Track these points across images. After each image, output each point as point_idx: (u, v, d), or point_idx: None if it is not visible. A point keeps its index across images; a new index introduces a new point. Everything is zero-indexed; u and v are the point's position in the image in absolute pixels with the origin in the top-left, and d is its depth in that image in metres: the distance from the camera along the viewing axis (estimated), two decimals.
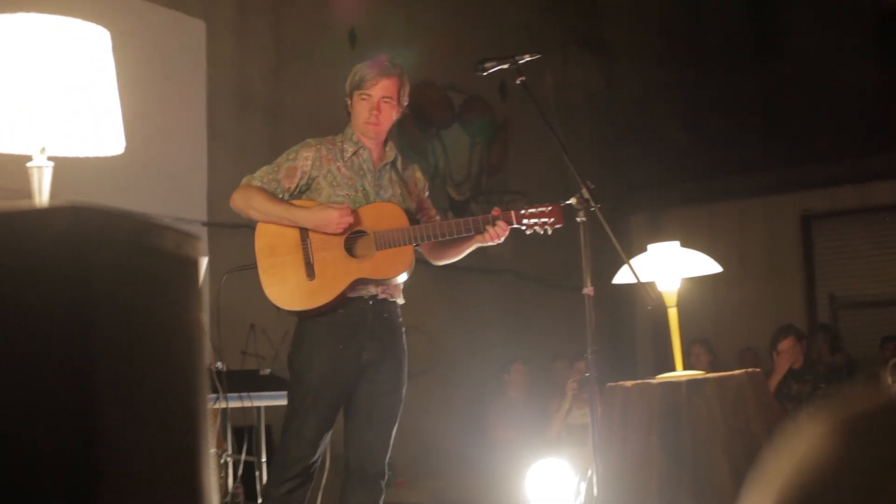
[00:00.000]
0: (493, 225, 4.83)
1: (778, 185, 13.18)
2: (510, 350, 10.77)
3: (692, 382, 4.98)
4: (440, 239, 4.84)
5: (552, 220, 4.91)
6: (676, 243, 5.49)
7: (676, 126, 14.56)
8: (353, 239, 4.77)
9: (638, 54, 14.71)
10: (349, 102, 4.94)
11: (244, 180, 4.83)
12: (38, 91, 3.10)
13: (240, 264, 5.26)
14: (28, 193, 3.24)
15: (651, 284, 5.12)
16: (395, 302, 4.90)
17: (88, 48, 3.23)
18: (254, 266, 4.76)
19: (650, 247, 5.50)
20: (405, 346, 4.91)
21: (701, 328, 11.01)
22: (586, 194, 4.66)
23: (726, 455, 4.78)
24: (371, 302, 4.79)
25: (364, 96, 4.87)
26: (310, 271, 4.71)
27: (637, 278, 4.74)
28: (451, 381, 11.02)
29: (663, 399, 4.99)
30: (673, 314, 5.30)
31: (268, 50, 9.56)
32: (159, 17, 8.45)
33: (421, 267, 11.08)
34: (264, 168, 4.85)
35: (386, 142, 5.00)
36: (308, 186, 4.84)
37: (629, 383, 5.14)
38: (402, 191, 4.97)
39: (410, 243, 4.78)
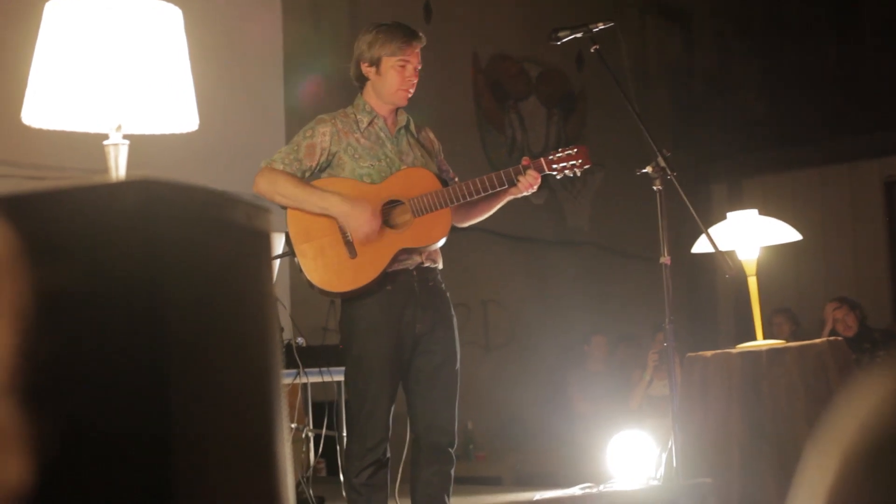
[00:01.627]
0: (524, 175, 4.75)
1: (859, 152, 12.98)
2: (590, 322, 10.74)
3: (772, 352, 4.94)
4: (475, 197, 4.73)
5: (580, 161, 4.84)
6: (755, 211, 5.44)
7: (755, 93, 14.39)
8: (388, 209, 4.67)
9: (716, 22, 14.55)
10: (371, 69, 4.76)
11: (264, 163, 4.68)
12: (112, 70, 3.13)
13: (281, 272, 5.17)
14: (105, 171, 3.28)
15: (730, 253, 5.07)
16: (437, 268, 4.80)
17: (161, 27, 3.25)
18: (291, 253, 4.65)
19: (729, 215, 5.45)
20: (453, 313, 4.83)
21: (783, 297, 10.90)
22: (662, 162, 4.61)
23: (807, 424, 4.74)
24: (416, 272, 4.68)
25: (401, 63, 4.72)
26: (350, 249, 4.60)
27: (715, 247, 4.69)
28: (530, 353, 11.01)
29: (743, 369, 4.95)
30: (753, 283, 5.25)
31: (343, 25, 9.57)
32: None
33: (498, 240, 11.08)
34: (283, 149, 4.71)
35: (395, 108, 4.87)
36: (329, 163, 4.71)
37: (709, 353, 5.11)
38: (421, 153, 4.86)
39: (447, 206, 4.67)
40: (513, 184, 4.76)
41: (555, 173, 4.84)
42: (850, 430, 1.00)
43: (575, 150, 4.86)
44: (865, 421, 0.99)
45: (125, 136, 3.30)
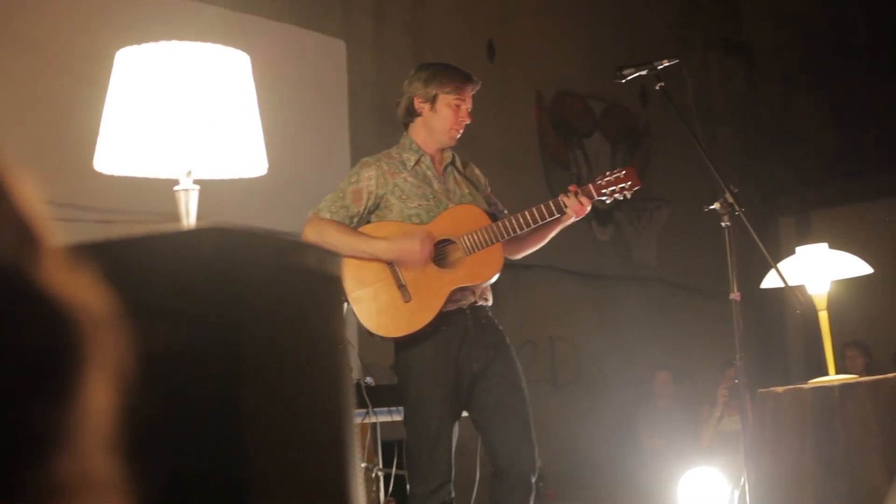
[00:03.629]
0: (571, 201, 4.74)
1: None
2: (657, 357, 10.68)
3: (845, 386, 4.88)
4: (525, 230, 4.73)
5: (630, 183, 4.83)
6: (825, 245, 5.39)
7: (821, 126, 14.30)
8: (439, 249, 4.67)
9: (780, 55, 14.49)
10: (425, 105, 4.79)
11: (311, 213, 4.71)
12: (182, 116, 3.17)
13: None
14: (176, 216, 3.32)
15: (800, 288, 5.03)
16: (489, 306, 4.79)
17: (230, 72, 3.29)
18: (344, 300, 4.61)
19: (798, 249, 5.41)
20: (510, 346, 4.79)
21: (855, 331, 10.77)
22: (730, 198, 4.58)
23: (882, 460, 4.67)
24: (469, 311, 4.69)
25: (457, 102, 4.76)
26: (404, 293, 4.60)
27: (785, 282, 4.66)
28: (598, 390, 10.96)
29: (816, 404, 4.90)
30: (823, 317, 5.20)
31: (407, 66, 9.61)
32: (300, 38, 8.57)
33: (565, 277, 11.06)
34: (329, 197, 4.72)
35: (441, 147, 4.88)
36: (377, 206, 4.72)
37: (780, 389, 5.06)
38: (469, 190, 4.86)
39: (498, 241, 4.67)
40: (562, 212, 4.75)
41: (604, 198, 4.83)
42: None
43: (623, 172, 4.87)
44: None
45: (195, 181, 3.33)
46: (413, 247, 4.57)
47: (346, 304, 4.65)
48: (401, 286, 4.61)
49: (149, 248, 1.47)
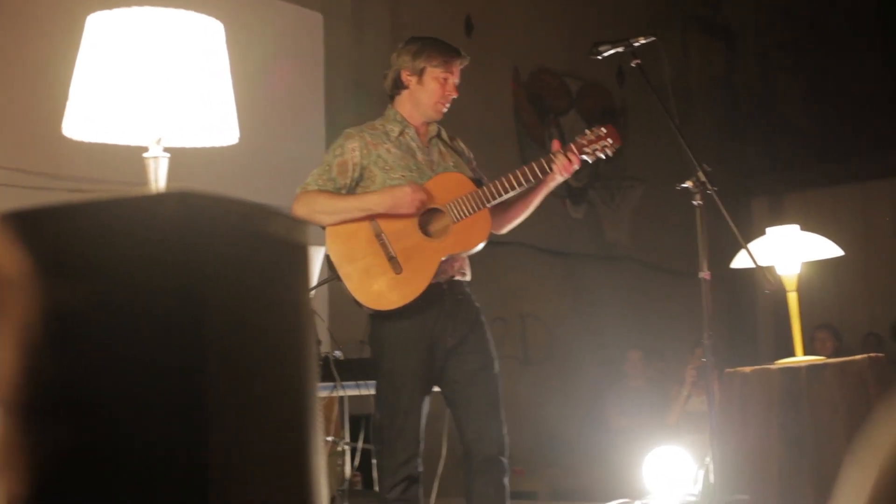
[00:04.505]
0: (557, 160, 4.73)
1: None
2: (628, 336, 10.70)
3: (812, 368, 4.90)
4: (511, 193, 4.71)
5: (611, 141, 4.81)
6: (796, 227, 5.41)
7: (798, 108, 14.35)
8: (425, 219, 4.65)
9: (758, 37, 14.52)
10: (413, 77, 4.78)
11: (299, 189, 4.68)
12: (153, 83, 3.15)
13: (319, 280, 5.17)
14: (145, 184, 3.30)
15: (770, 268, 5.03)
16: (466, 281, 4.77)
17: (202, 40, 3.27)
18: (335, 277, 4.64)
19: (769, 230, 5.42)
20: (485, 322, 4.78)
21: (826, 313, 10.84)
22: (703, 177, 4.58)
23: (848, 441, 4.70)
24: (446, 286, 4.66)
25: (445, 76, 4.75)
26: (395, 265, 4.58)
27: (755, 262, 4.66)
28: (568, 368, 10.98)
29: (783, 385, 4.92)
30: (793, 299, 5.21)
31: (384, 40, 9.59)
32: (277, 9, 8.54)
33: (537, 255, 11.06)
34: (315, 171, 4.69)
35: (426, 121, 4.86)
36: (361, 177, 4.69)
37: (748, 369, 5.08)
38: (454, 161, 4.84)
39: (485, 206, 4.65)
40: (546, 172, 4.74)
41: (586, 156, 4.81)
42: (889, 446, 1.00)
43: (603, 129, 4.83)
44: None
45: (165, 150, 3.31)
46: (404, 191, 4.56)
47: (313, 274, 4.64)
48: (391, 258, 4.59)
49: (113, 212, 1.46)
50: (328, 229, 4.65)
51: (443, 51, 4.79)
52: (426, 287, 4.58)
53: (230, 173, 6.39)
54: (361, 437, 5.84)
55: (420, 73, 4.77)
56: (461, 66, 4.82)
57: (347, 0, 9.54)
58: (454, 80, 4.78)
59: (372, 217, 4.63)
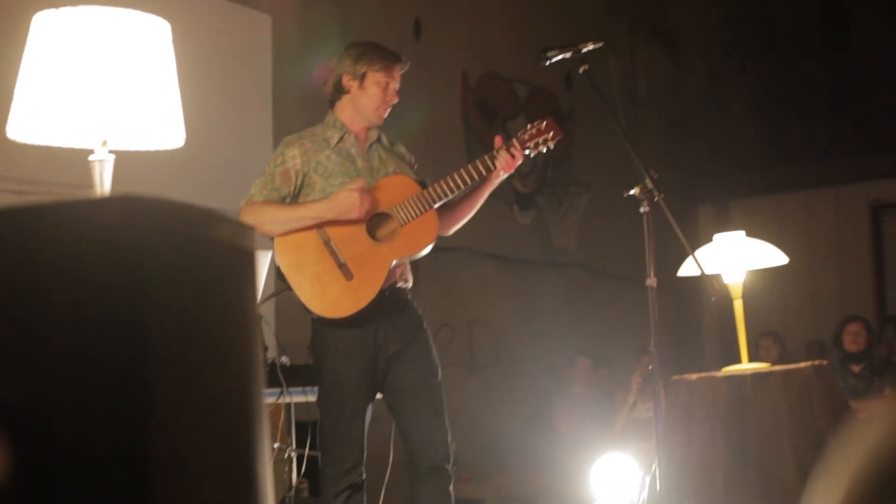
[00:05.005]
0: (499, 156, 4.73)
1: (846, 175, 13.04)
2: (574, 343, 10.74)
3: (757, 376, 4.93)
4: (458, 193, 4.72)
5: (552, 133, 4.84)
6: (742, 233, 5.44)
7: (744, 115, 14.46)
8: (373, 224, 4.65)
9: (705, 43, 14.62)
10: (354, 82, 4.77)
11: (243, 202, 4.66)
12: (99, 85, 3.12)
13: (270, 292, 5.14)
14: (90, 187, 3.26)
15: (715, 276, 5.06)
16: (408, 287, 4.79)
17: (149, 41, 3.24)
18: (287, 288, 4.62)
19: (716, 237, 5.45)
20: (427, 330, 4.79)
21: (770, 321, 10.91)
22: (650, 184, 4.60)
23: (792, 449, 4.73)
24: (388, 292, 4.66)
25: (386, 81, 4.75)
26: (346, 272, 4.57)
27: (702, 270, 4.68)
28: (515, 374, 11.00)
29: (728, 392, 4.94)
30: (738, 306, 5.24)
31: (332, 41, 9.58)
32: (225, 10, 8.48)
33: (484, 260, 11.06)
34: (258, 182, 4.67)
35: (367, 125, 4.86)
36: (302, 184, 4.69)
37: (694, 376, 5.10)
38: (395, 167, 4.83)
39: (432, 206, 4.66)
40: (490, 170, 4.75)
41: (528, 150, 4.82)
42: (853, 465, 1.00)
43: (544, 123, 4.86)
44: (868, 456, 0.99)
45: (111, 152, 3.28)
46: (352, 196, 4.53)
47: (261, 281, 4.61)
48: (341, 265, 4.58)
49: (56, 215, 1.44)
50: (276, 239, 4.63)
51: (384, 56, 4.78)
52: (380, 290, 4.57)
53: (176, 175, 6.34)
54: (308, 443, 5.81)
55: (361, 78, 4.76)
56: (402, 72, 4.82)
57: (296, 2, 9.51)
58: (395, 85, 4.78)
59: (320, 225, 4.61)
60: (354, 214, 4.56)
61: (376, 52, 4.79)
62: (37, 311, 1.40)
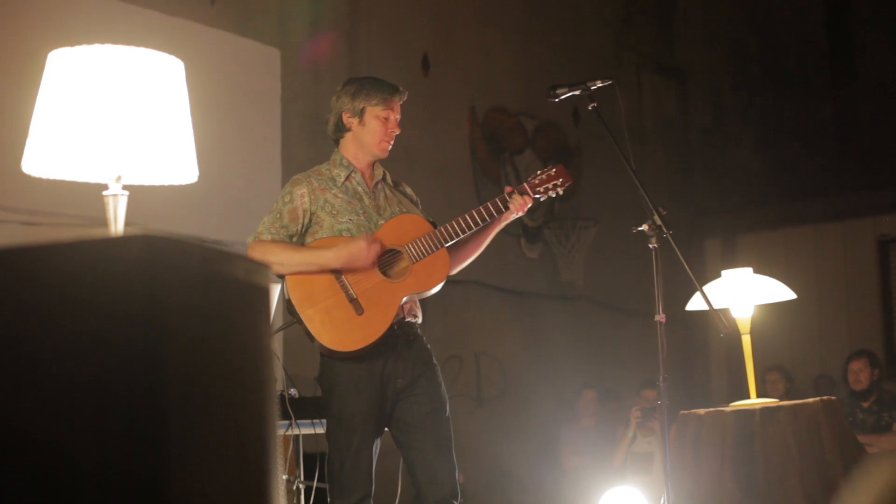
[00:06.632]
0: (512, 199, 4.79)
1: (853, 210, 13.03)
2: (582, 376, 10.73)
3: (765, 410, 4.94)
4: (469, 233, 4.75)
5: (561, 180, 4.91)
6: (749, 270, 5.45)
7: (750, 150, 14.48)
8: (385, 260, 4.67)
9: (711, 78, 14.66)
10: (354, 119, 4.79)
11: (250, 239, 4.67)
12: (113, 121, 3.15)
13: (281, 324, 5.15)
14: (103, 221, 3.29)
15: (724, 311, 5.07)
16: (417, 322, 4.79)
17: (163, 78, 3.27)
18: (297, 321, 4.63)
19: (723, 273, 5.46)
20: (436, 365, 4.80)
21: (777, 355, 10.91)
22: (658, 221, 4.61)
23: (800, 484, 4.73)
24: (397, 326, 4.67)
25: (385, 114, 4.76)
26: (357, 307, 4.58)
27: (710, 305, 4.69)
28: (522, 407, 10.99)
29: (736, 427, 4.95)
30: (746, 341, 5.25)
31: (341, 77, 9.62)
32: (234, 46, 8.54)
33: (493, 294, 11.05)
34: (266, 219, 4.69)
35: (373, 161, 4.89)
36: (309, 222, 4.71)
37: (702, 411, 5.10)
38: (400, 208, 4.86)
39: (443, 245, 4.69)
40: (502, 211, 4.79)
41: (538, 195, 4.87)
42: (869, 499, 1.01)
43: (553, 170, 4.93)
44: (883, 491, 1.00)
45: (125, 187, 3.31)
46: (360, 247, 4.55)
47: (275, 313, 4.62)
48: (353, 300, 4.60)
49: (77, 252, 1.46)
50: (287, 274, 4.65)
51: (381, 89, 4.80)
52: (387, 328, 4.59)
53: (187, 210, 6.37)
54: (316, 475, 5.81)
55: (361, 114, 4.78)
56: (401, 102, 4.84)
57: (305, 37, 9.56)
58: (395, 116, 4.80)
59: None
60: (362, 264, 4.58)
61: (373, 87, 4.81)
62: (57, 344, 1.42)
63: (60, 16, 6.97)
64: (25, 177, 3.47)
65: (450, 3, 11.16)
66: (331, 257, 4.59)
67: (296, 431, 5.60)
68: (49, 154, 3.21)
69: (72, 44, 3.22)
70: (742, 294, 5.31)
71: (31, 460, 1.39)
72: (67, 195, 5.02)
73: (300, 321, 4.61)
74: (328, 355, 4.65)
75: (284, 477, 5.82)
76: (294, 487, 5.91)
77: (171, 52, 3.36)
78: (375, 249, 4.59)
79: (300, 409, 5.50)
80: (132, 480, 1.39)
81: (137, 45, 3.29)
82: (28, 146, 3.24)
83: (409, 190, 5.02)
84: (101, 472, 1.39)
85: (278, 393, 5.53)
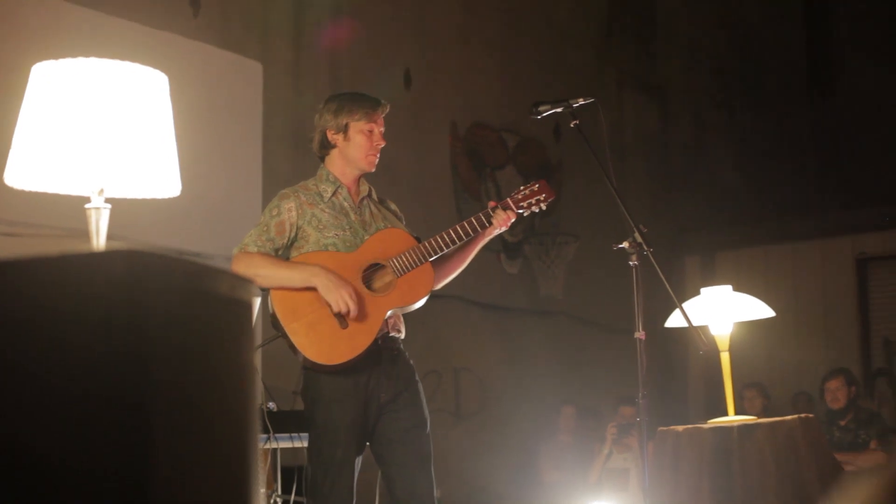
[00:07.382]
0: (495, 215, 4.83)
1: (832, 228, 13.08)
2: (561, 392, 10.74)
3: (743, 427, 4.96)
4: (453, 247, 4.78)
5: (544, 195, 4.93)
6: (729, 287, 5.48)
7: (730, 167, 14.53)
8: (369, 274, 4.69)
9: (692, 96, 14.71)
10: (339, 136, 4.81)
11: (236, 250, 4.69)
12: (96, 134, 3.15)
13: (262, 338, 5.14)
14: (86, 234, 3.29)
15: (703, 328, 5.09)
16: (400, 337, 4.81)
17: (146, 92, 3.28)
18: (281, 335, 4.64)
19: (703, 290, 5.49)
20: (418, 379, 4.82)
21: (755, 372, 10.93)
22: (639, 238, 4.64)
23: (777, 501, 4.75)
24: (380, 341, 4.68)
25: (369, 127, 4.78)
26: (341, 320, 4.58)
27: (689, 322, 4.71)
28: (501, 422, 10.99)
29: (714, 444, 4.96)
30: (725, 358, 5.27)
31: (323, 92, 9.63)
32: (217, 59, 8.54)
33: (472, 308, 11.05)
34: (253, 231, 4.70)
35: (359, 176, 4.91)
36: (295, 236, 4.73)
37: (680, 428, 5.12)
38: (385, 224, 4.88)
39: (427, 259, 4.71)
40: (486, 226, 4.81)
41: (522, 211, 4.90)
42: None
43: (536, 185, 4.96)
44: None
45: (107, 200, 3.31)
46: (339, 289, 4.56)
47: (254, 327, 4.62)
48: (337, 314, 4.60)
49: (62, 267, 1.47)
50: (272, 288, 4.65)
51: (363, 103, 4.82)
52: (372, 342, 4.60)
53: (169, 223, 6.36)
54: (294, 489, 5.81)
55: (345, 130, 4.80)
56: (384, 114, 4.86)
57: (287, 51, 9.57)
58: (379, 129, 4.82)
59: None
60: (331, 300, 4.58)
61: (355, 102, 4.82)
62: (43, 356, 1.43)
63: (44, 29, 6.96)
64: (7, 189, 3.47)
65: (432, 18, 11.19)
66: (315, 272, 4.59)
67: (274, 445, 5.60)
68: (32, 166, 3.21)
69: (56, 57, 3.23)
70: (721, 311, 5.33)
71: (18, 470, 1.39)
72: (50, 207, 5.01)
73: (285, 335, 4.61)
74: (312, 369, 4.65)
75: (262, 491, 5.82)
76: (271, 501, 5.91)
77: (152, 65, 3.37)
78: (351, 304, 4.58)
79: (278, 422, 5.50)
80: (118, 489, 1.40)
81: (120, 57, 3.29)
82: (11, 158, 3.24)
83: (393, 206, 5.04)
84: (88, 480, 1.40)
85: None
